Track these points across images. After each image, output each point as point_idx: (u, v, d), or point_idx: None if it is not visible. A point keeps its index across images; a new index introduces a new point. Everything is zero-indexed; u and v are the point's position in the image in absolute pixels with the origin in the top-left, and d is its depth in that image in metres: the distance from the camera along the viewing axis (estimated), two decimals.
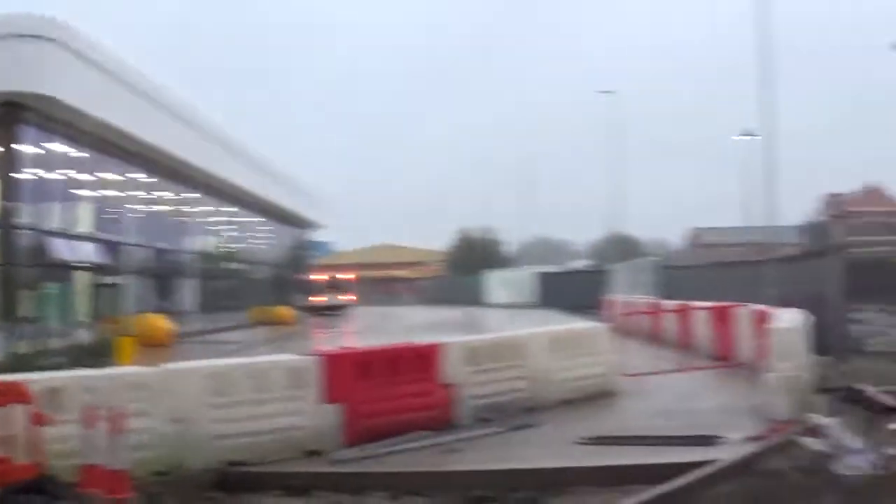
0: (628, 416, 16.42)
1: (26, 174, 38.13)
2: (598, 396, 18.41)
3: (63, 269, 39.37)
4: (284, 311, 63.73)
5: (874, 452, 13.34)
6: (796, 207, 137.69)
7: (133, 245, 48.53)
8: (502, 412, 16.21)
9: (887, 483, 12.06)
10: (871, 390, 17.23)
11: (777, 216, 40.39)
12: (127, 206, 49.96)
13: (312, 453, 13.43)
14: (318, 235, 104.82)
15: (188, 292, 56.69)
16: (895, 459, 13.24)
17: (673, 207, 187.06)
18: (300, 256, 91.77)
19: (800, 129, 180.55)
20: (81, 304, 39.64)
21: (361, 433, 13.86)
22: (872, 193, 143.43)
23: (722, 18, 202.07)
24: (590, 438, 13.95)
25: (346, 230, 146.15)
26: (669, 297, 36.30)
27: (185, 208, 59.57)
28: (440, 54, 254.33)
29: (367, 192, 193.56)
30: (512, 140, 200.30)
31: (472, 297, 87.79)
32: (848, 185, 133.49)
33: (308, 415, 13.70)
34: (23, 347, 23.47)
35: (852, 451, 13.05)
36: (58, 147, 40.67)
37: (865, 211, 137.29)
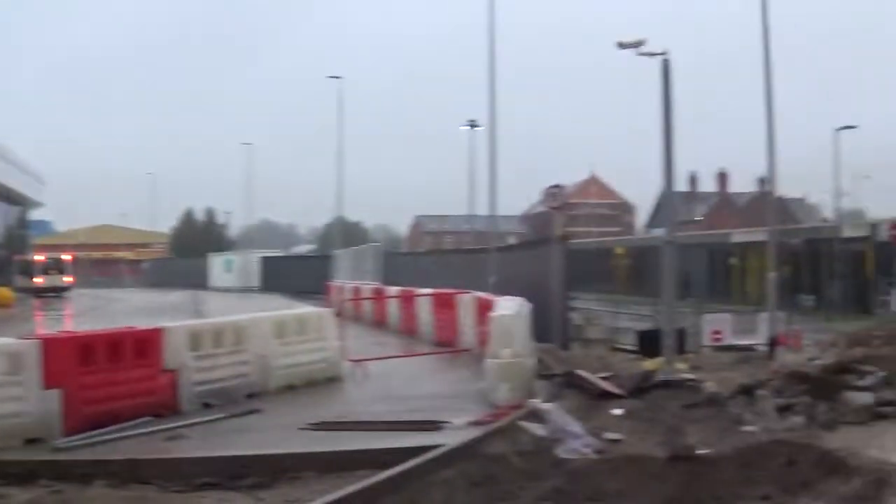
0: (353, 402, 16.87)
1: None
2: (322, 382, 18.82)
3: None
4: (3, 292, 60.86)
5: (593, 436, 14.33)
6: (519, 197, 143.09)
7: None
8: (227, 398, 16.40)
9: (606, 466, 12.97)
10: (589, 376, 18.34)
11: (499, 206, 41.95)
12: None
13: (33, 441, 13.19)
14: (37, 214, 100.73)
15: None
16: (614, 443, 14.28)
17: (399, 195, 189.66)
18: (18, 236, 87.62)
19: (525, 121, 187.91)
20: None
21: (84, 420, 13.71)
22: (591, 184, 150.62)
23: (457, 10, 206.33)
24: (315, 424, 14.29)
25: (68, 210, 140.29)
26: (393, 284, 37.05)
27: None
28: (169, 30, 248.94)
29: (92, 171, 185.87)
30: (243, 122, 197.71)
31: (195, 281, 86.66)
32: (569, 176, 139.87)
33: (28, 401, 13.39)
34: None
35: (572, 436, 13.97)
36: None
37: (585, 202, 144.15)
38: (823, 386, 16.56)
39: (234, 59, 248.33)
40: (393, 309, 31.89)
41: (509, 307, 18.62)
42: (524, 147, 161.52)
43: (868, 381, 16.71)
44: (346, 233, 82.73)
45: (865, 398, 16.31)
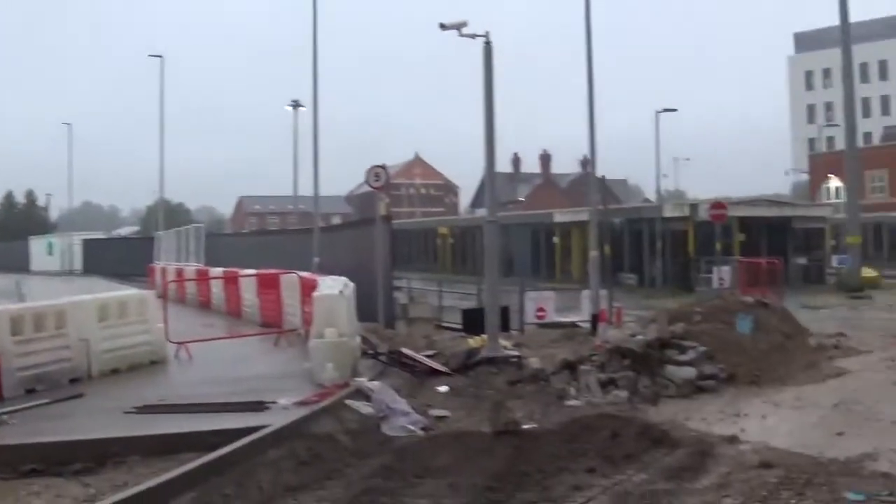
0: (178, 384, 16.60)
1: None
2: (147, 365, 18.52)
3: None
4: None
5: (420, 414, 14.44)
6: (344, 178, 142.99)
7: None
8: (50, 383, 15.96)
9: (433, 443, 13.10)
10: (415, 354, 18.47)
11: (324, 187, 41.81)
12: None
13: None
14: None
15: None
16: (440, 420, 14.42)
17: (223, 176, 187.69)
18: None
19: (351, 102, 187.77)
20: None
21: None
22: (415, 164, 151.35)
23: None
24: (139, 407, 14.02)
25: None
26: (217, 265, 36.55)
27: None
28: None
29: None
30: (64, 102, 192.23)
31: (17, 264, 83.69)
32: (393, 157, 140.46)
33: None
34: None
35: (399, 413, 14.07)
36: None
37: (409, 183, 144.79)
38: (646, 361, 17.05)
39: (55, 37, 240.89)
40: (217, 290, 31.49)
41: (333, 287, 18.57)
42: (349, 128, 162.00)
43: (689, 355, 17.27)
44: (168, 214, 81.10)
45: (687, 372, 16.87)
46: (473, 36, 19.93)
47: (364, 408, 13.98)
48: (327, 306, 17.19)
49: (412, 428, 13.74)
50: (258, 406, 13.77)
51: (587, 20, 29.28)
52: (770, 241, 51.39)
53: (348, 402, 14.09)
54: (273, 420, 12.65)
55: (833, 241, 62.11)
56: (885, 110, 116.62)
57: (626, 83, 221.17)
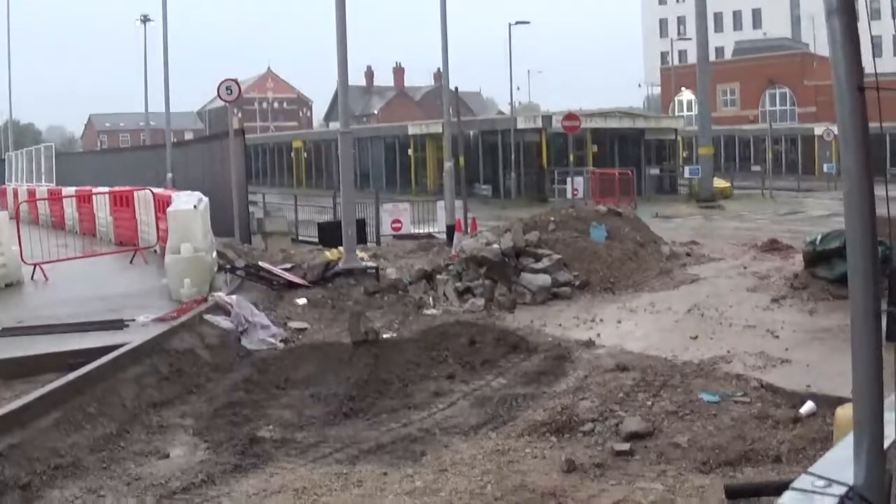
0: (35, 306, 16.24)
1: None
2: (1, 288, 18.00)
3: None
4: None
5: (279, 326, 14.54)
6: (195, 93, 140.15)
7: None
8: None
9: (293, 354, 13.24)
10: (272, 267, 18.48)
11: (175, 103, 41.06)
12: None
13: None
14: None
15: None
16: (299, 332, 14.54)
17: (73, 95, 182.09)
18: None
19: (202, 16, 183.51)
20: None
21: None
22: (267, 78, 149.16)
23: None
24: None
25: None
26: (71, 185, 35.65)
27: None
28: None
29: None
30: None
31: None
32: (246, 71, 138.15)
33: None
34: None
35: (258, 327, 14.13)
36: None
37: (262, 97, 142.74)
38: (501, 269, 17.38)
39: None
40: (71, 210, 30.79)
41: (187, 202, 18.37)
42: (200, 42, 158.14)
43: (544, 263, 17.64)
44: (18, 135, 78.53)
45: (542, 280, 17.25)
46: None
47: (223, 322, 13.98)
48: (182, 222, 17.04)
49: (272, 341, 13.84)
50: (117, 324, 13.65)
51: None
52: (623, 153, 52.47)
53: (207, 316, 14.05)
54: (133, 337, 12.55)
55: (685, 153, 63.63)
56: (737, 25, 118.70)
57: None
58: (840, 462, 2.80)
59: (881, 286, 11.17)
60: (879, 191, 2.89)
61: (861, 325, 2.72)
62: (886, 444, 2.83)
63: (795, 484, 2.68)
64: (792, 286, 16.31)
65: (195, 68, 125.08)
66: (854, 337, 2.73)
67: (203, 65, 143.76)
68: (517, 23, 62.37)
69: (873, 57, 3.22)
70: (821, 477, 2.71)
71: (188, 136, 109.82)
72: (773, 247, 22.16)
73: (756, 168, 67.27)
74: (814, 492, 2.63)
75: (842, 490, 2.66)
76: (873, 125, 2.67)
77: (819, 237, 16.35)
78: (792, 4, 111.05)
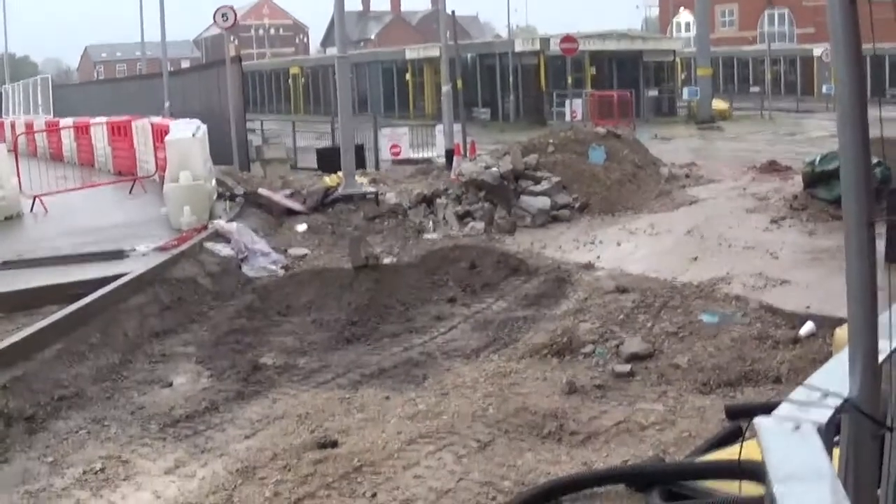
0: (36, 238, 16.17)
1: None
2: (1, 221, 17.92)
3: None
4: None
5: (279, 253, 14.54)
6: (191, 21, 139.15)
7: None
8: None
9: (294, 280, 13.25)
10: (271, 194, 18.45)
11: (171, 31, 40.77)
12: None
13: None
14: None
15: None
16: (300, 258, 14.54)
17: (68, 27, 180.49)
18: None
19: None
20: None
21: None
22: (263, 5, 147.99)
23: None
24: None
25: None
26: (67, 116, 35.46)
27: None
28: None
29: None
30: None
31: None
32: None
33: None
34: None
35: (259, 253, 14.14)
36: None
37: (258, 24, 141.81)
38: (501, 192, 17.35)
39: None
40: (69, 141, 30.63)
41: (185, 130, 18.26)
42: None
43: (543, 186, 17.61)
44: (14, 68, 78.01)
45: (542, 202, 17.23)
46: None
47: (224, 250, 13.99)
48: (180, 150, 16.96)
49: (273, 267, 13.85)
50: (118, 254, 13.64)
51: None
52: (621, 75, 52.05)
53: (207, 244, 14.05)
54: (133, 267, 12.55)
55: (684, 75, 63.18)
56: None
57: None
58: (836, 375, 2.82)
59: (881, 206, 11.12)
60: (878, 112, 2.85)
61: (855, 242, 2.71)
62: (881, 358, 2.83)
63: (792, 396, 2.69)
64: (791, 207, 16.28)
65: None
66: (848, 254, 2.72)
67: None
68: None
69: None
70: (817, 389, 2.72)
71: (185, 64, 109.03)
72: (772, 168, 22.08)
73: (755, 89, 66.81)
74: (810, 404, 2.64)
75: (837, 402, 2.67)
76: (867, 46, 2.63)
77: (818, 158, 16.32)
78: None
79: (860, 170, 2.69)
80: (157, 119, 24.08)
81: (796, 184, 17.59)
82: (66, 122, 31.72)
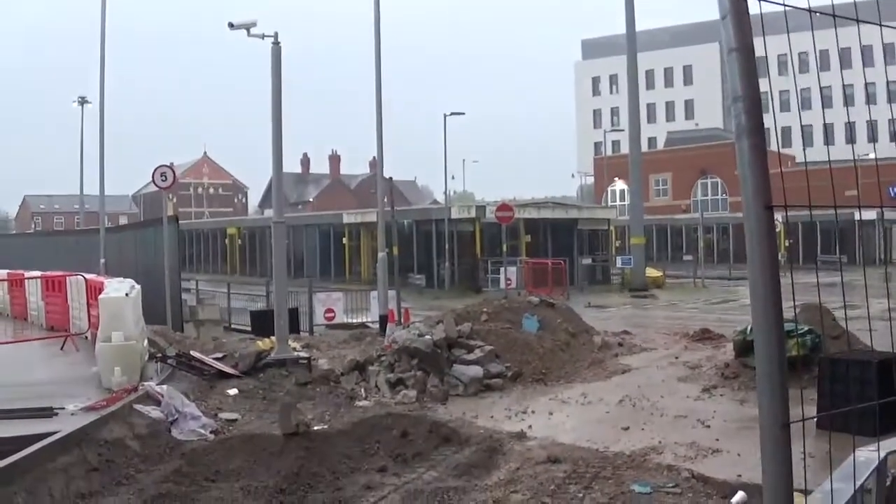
0: None
1: None
2: None
3: None
4: None
5: (210, 417, 14.44)
6: (131, 176, 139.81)
7: None
8: None
9: (224, 446, 13.14)
10: (203, 356, 18.38)
11: (111, 186, 41.09)
12: None
13: None
14: None
15: None
16: (230, 423, 14.44)
17: (7, 175, 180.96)
18: None
19: (140, 101, 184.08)
20: None
21: None
22: (203, 164, 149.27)
23: None
24: None
25: None
26: (2, 267, 35.26)
27: None
28: None
29: None
30: None
31: None
32: (182, 156, 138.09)
33: None
34: None
35: (189, 417, 14.01)
36: None
37: (197, 182, 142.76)
38: (434, 360, 17.45)
39: None
40: (2, 294, 30.44)
41: (119, 289, 18.24)
42: (138, 125, 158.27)
43: (476, 354, 17.75)
44: None
45: (474, 371, 17.35)
46: (262, 36, 19.90)
47: (153, 412, 13.87)
48: (114, 309, 16.93)
49: (202, 431, 13.73)
50: (46, 412, 13.46)
51: (377, 26, 29.66)
52: (556, 243, 52.85)
53: (137, 406, 13.93)
54: (62, 426, 12.38)
55: (618, 243, 64.32)
56: (670, 116, 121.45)
57: (420, 88, 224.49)
58: None
59: (812, 374, 11.33)
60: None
61: (769, 438, 2.84)
62: None
63: None
64: (723, 375, 16.55)
65: (131, 151, 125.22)
66: (763, 444, 2.85)
67: (139, 147, 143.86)
68: (452, 114, 63.04)
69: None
70: None
71: (123, 220, 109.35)
72: (704, 336, 22.43)
73: (688, 257, 68.13)
74: None
75: None
76: (800, 214, 2.82)
77: (749, 327, 16.62)
78: (724, 96, 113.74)
79: (773, 358, 2.84)
80: (91, 276, 24.03)
81: (728, 352, 17.89)
82: (0, 273, 31.55)
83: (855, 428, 5.75)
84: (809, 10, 3.46)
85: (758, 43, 2.88)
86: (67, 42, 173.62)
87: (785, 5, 3.16)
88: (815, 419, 11.41)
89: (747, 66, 2.81)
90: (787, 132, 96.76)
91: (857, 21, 3.58)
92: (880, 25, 3.94)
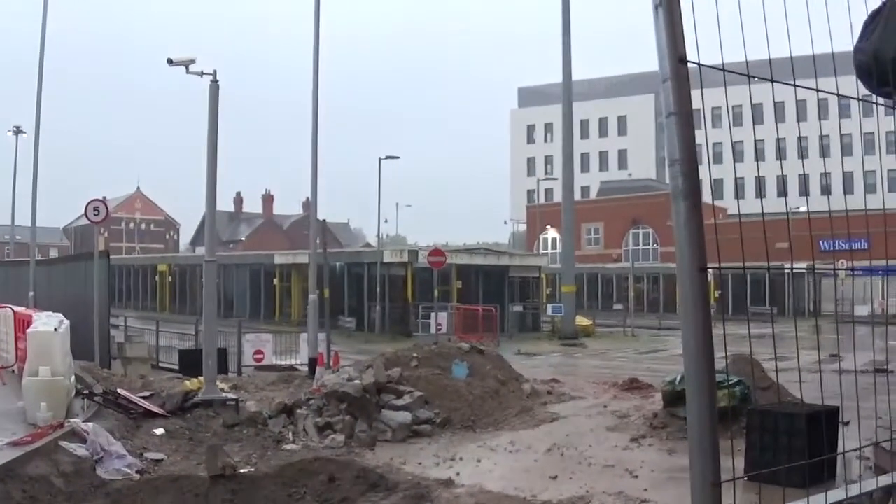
0: None
1: None
2: None
3: None
4: None
5: (136, 456, 14.26)
6: (64, 209, 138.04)
7: None
8: None
9: (149, 486, 12.98)
10: (130, 395, 18.16)
11: (42, 217, 40.64)
12: None
13: None
14: None
15: None
16: (156, 463, 14.27)
17: None
18: None
19: (71, 132, 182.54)
20: None
21: None
22: (136, 199, 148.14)
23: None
24: None
25: None
26: None
27: None
28: None
29: None
30: None
31: None
32: (115, 190, 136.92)
33: None
34: None
35: (114, 455, 13.84)
36: None
37: (130, 217, 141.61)
38: (362, 405, 17.40)
39: None
40: None
41: (48, 324, 18.00)
42: (71, 157, 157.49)
43: (405, 400, 17.74)
44: None
45: (403, 417, 17.32)
46: (201, 73, 19.88)
47: (79, 449, 13.67)
48: (41, 343, 16.68)
49: (128, 471, 13.56)
50: None
51: (315, 65, 29.81)
52: (487, 289, 53.05)
53: (62, 443, 13.73)
54: None
55: (549, 290, 64.66)
56: (603, 165, 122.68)
57: (355, 131, 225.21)
58: None
59: (741, 426, 11.44)
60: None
61: (700, 497, 2.88)
62: None
63: None
64: (651, 425, 16.63)
65: (64, 182, 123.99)
66: (694, 502, 2.88)
67: (72, 180, 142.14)
68: (387, 157, 63.25)
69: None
70: None
71: (53, 252, 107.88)
72: (633, 385, 22.55)
73: (619, 306, 68.75)
74: None
75: None
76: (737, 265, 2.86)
77: (678, 377, 16.73)
78: (657, 146, 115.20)
79: (704, 433, 2.88)
80: (20, 309, 23.72)
81: (657, 402, 17.97)
82: None
83: (784, 480, 5.83)
84: (749, 76, 3.54)
85: (695, 94, 2.95)
86: (5, 69, 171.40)
87: (724, 70, 3.23)
88: (744, 471, 11.53)
89: (686, 131, 2.87)
90: (719, 184, 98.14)
91: (772, 81, 3.68)
92: (794, 86, 4.04)
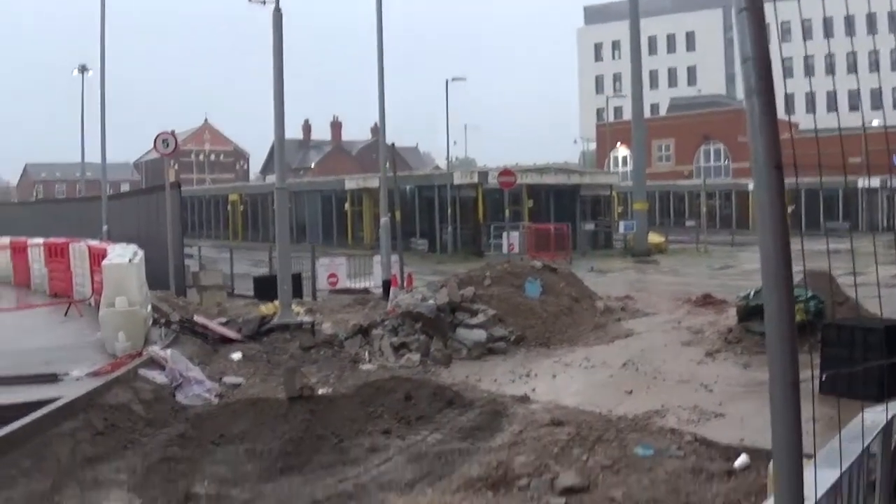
0: None
1: None
2: None
3: None
4: None
5: (214, 381, 14.50)
6: (133, 144, 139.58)
7: None
8: None
9: (228, 410, 13.19)
10: (207, 321, 18.43)
11: (112, 153, 41.01)
12: None
13: None
14: None
15: None
16: (234, 387, 14.50)
17: (8, 143, 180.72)
18: None
19: (140, 67, 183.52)
20: None
21: None
22: (204, 130, 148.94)
23: None
24: None
25: None
26: (4, 235, 35.27)
27: None
28: None
29: None
30: None
31: None
32: (183, 123, 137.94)
33: None
34: None
35: (193, 381, 14.08)
36: None
37: (199, 149, 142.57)
38: (437, 324, 17.48)
39: None
40: (5, 261, 30.44)
41: (122, 255, 18.28)
42: (138, 93, 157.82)
43: (479, 318, 17.79)
44: None
45: (478, 335, 17.38)
46: (264, 2, 19.89)
47: (158, 377, 13.94)
48: (117, 275, 16.94)
49: (207, 396, 13.80)
50: (51, 378, 13.52)
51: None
52: (559, 208, 52.79)
53: (142, 371, 14.00)
54: (67, 392, 12.45)
55: (621, 208, 64.22)
56: (672, 82, 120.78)
57: (422, 54, 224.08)
58: None
59: (816, 339, 11.34)
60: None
61: (780, 394, 2.84)
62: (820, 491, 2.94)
63: None
64: (726, 340, 16.55)
65: (132, 118, 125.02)
66: (773, 404, 2.86)
67: (140, 115, 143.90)
68: (454, 79, 62.91)
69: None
70: None
71: (124, 187, 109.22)
72: (706, 301, 22.39)
73: (691, 223, 68.13)
74: None
75: None
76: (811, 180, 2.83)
77: (752, 292, 16.62)
78: (727, 62, 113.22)
79: (784, 331, 2.84)
80: (94, 242, 24.04)
81: (731, 317, 17.87)
82: (3, 241, 31.55)
83: (861, 392, 5.77)
84: None
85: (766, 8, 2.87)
86: (71, 9, 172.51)
87: None
88: (820, 384, 11.46)
89: (757, 27, 2.80)
90: (790, 99, 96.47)
91: None
92: None
